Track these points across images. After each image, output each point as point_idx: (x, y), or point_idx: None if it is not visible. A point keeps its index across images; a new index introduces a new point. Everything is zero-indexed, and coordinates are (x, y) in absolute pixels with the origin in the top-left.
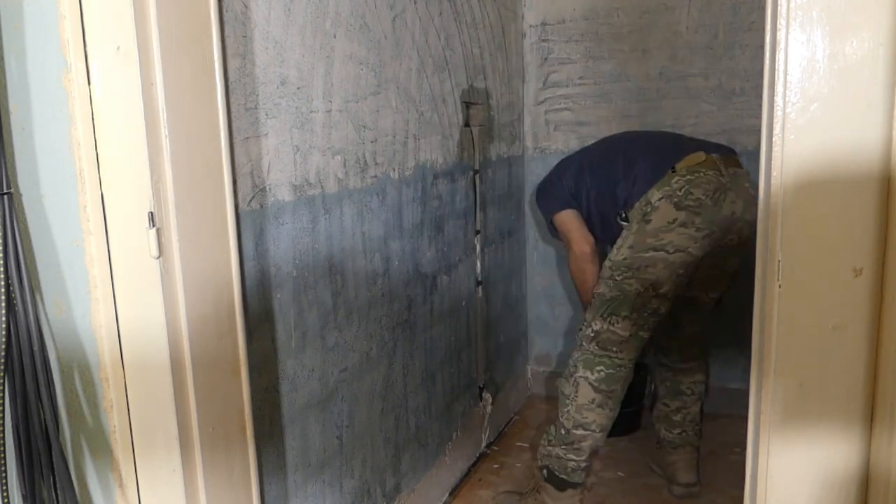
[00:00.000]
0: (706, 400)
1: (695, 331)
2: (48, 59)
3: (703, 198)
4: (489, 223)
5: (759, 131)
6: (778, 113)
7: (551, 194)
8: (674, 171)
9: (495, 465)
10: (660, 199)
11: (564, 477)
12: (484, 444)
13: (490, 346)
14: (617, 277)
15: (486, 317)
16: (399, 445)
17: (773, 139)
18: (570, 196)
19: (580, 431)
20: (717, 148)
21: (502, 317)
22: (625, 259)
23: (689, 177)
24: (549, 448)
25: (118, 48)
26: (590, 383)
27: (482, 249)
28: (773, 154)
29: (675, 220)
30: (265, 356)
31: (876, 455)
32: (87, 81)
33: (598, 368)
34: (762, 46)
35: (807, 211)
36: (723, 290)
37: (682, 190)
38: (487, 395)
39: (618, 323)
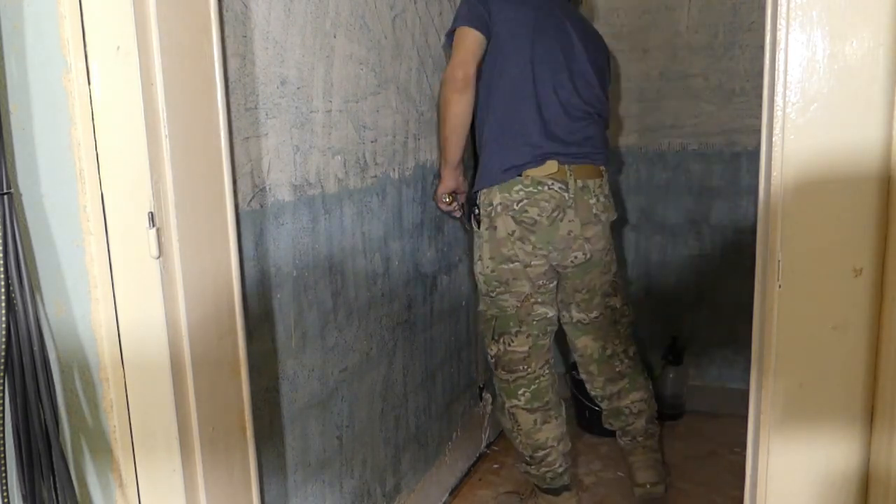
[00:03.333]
0: (661, 405)
1: (603, 348)
2: (48, 59)
3: (539, 217)
4: None
5: (759, 131)
6: (778, 113)
7: (472, 4)
8: (519, 177)
9: (495, 465)
10: (499, 205)
11: (549, 486)
12: (484, 443)
13: None
14: (492, 294)
15: None
16: (399, 445)
17: (773, 139)
18: (485, 26)
19: (541, 452)
20: (580, 145)
21: None
22: (493, 272)
23: (530, 189)
24: (523, 467)
25: (118, 48)
26: (522, 409)
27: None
28: (773, 154)
29: (513, 232)
30: (265, 356)
31: (876, 455)
32: (87, 81)
33: (520, 393)
34: (762, 46)
35: (807, 211)
36: (602, 308)
37: (519, 205)
38: (487, 395)
39: (511, 342)
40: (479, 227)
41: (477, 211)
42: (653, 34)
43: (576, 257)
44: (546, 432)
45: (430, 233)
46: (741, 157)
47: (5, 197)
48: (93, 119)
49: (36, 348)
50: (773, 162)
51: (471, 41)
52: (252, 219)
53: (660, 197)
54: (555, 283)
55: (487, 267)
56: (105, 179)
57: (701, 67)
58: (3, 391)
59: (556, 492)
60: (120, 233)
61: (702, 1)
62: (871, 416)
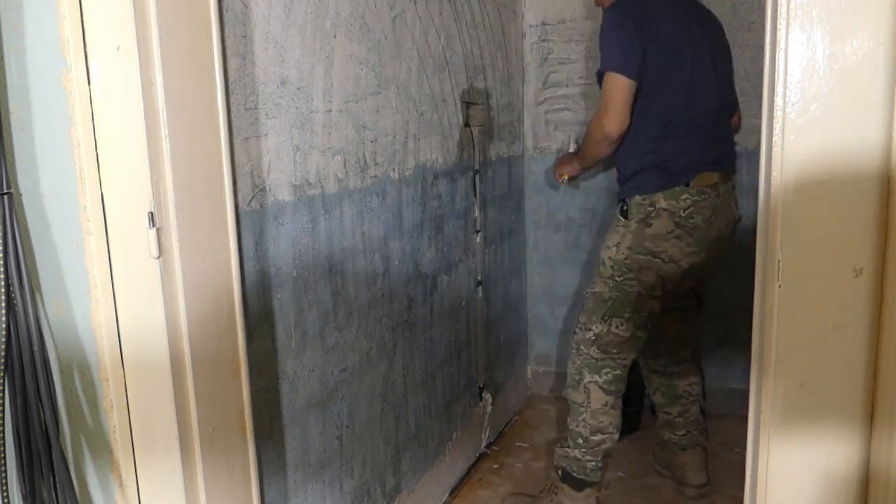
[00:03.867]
0: (706, 400)
1: (679, 331)
2: (48, 59)
3: (701, 223)
4: (489, 223)
5: (759, 131)
6: (778, 113)
7: (624, 46)
8: (686, 186)
9: (495, 465)
10: (664, 210)
11: (583, 477)
12: (484, 444)
13: (490, 346)
14: (618, 278)
15: (486, 317)
16: (399, 445)
17: (773, 139)
18: (639, 66)
19: (598, 436)
20: (727, 157)
21: (502, 317)
22: (626, 259)
23: (696, 198)
24: (567, 450)
25: (118, 48)
26: (600, 387)
27: (482, 249)
28: (773, 154)
29: (672, 231)
30: (265, 356)
31: (876, 455)
32: (87, 81)
33: (604, 371)
34: (762, 46)
35: (807, 211)
36: (695, 297)
37: (686, 212)
38: (487, 395)
39: (620, 325)
40: (625, 219)
41: (625, 207)
42: None
43: (713, 255)
44: (611, 417)
45: (430, 233)
46: (741, 157)
47: (5, 197)
48: (93, 119)
49: (36, 348)
50: (773, 162)
51: (627, 93)
52: (252, 219)
53: None
54: (677, 286)
55: (622, 254)
56: (105, 179)
57: None
58: (3, 391)
59: (581, 485)
60: (120, 233)
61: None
62: (871, 416)
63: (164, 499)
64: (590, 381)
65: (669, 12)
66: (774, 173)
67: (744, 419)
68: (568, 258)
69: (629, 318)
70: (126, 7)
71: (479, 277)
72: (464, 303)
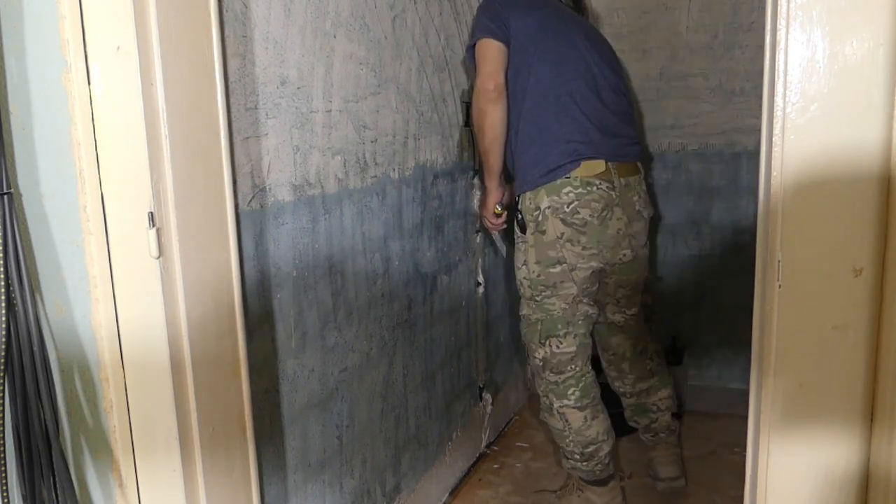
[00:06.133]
0: (681, 407)
1: (636, 346)
2: (48, 59)
3: (590, 218)
4: None
5: (759, 131)
6: (778, 113)
7: (490, 16)
8: (567, 178)
9: (495, 466)
10: (547, 209)
11: (598, 478)
12: (484, 444)
13: (490, 346)
14: (537, 298)
15: (486, 317)
16: (399, 445)
17: (773, 139)
18: (504, 34)
19: (591, 447)
20: (625, 148)
21: (502, 317)
22: (538, 276)
23: (580, 190)
24: (571, 462)
25: (118, 48)
26: (573, 408)
27: (482, 249)
28: (773, 154)
29: (562, 234)
30: (265, 356)
31: (876, 455)
32: (87, 81)
33: (570, 393)
34: (762, 46)
35: (807, 211)
36: (638, 306)
37: (570, 207)
38: (487, 395)
39: (560, 344)
40: (524, 233)
41: (520, 216)
42: (653, 34)
43: (624, 255)
44: (596, 427)
45: (430, 233)
46: (741, 157)
47: (5, 197)
48: (93, 119)
49: (36, 348)
50: (773, 162)
51: (494, 51)
52: (252, 219)
53: (660, 197)
54: (598, 284)
55: (533, 272)
56: (105, 179)
57: (701, 67)
58: (3, 391)
59: (603, 482)
60: (120, 233)
61: (702, 1)
62: (871, 416)
63: (164, 499)
64: (560, 406)
65: (538, 4)
66: (774, 173)
67: (744, 419)
68: None
69: (566, 334)
70: (126, 7)
71: (479, 277)
72: (464, 303)
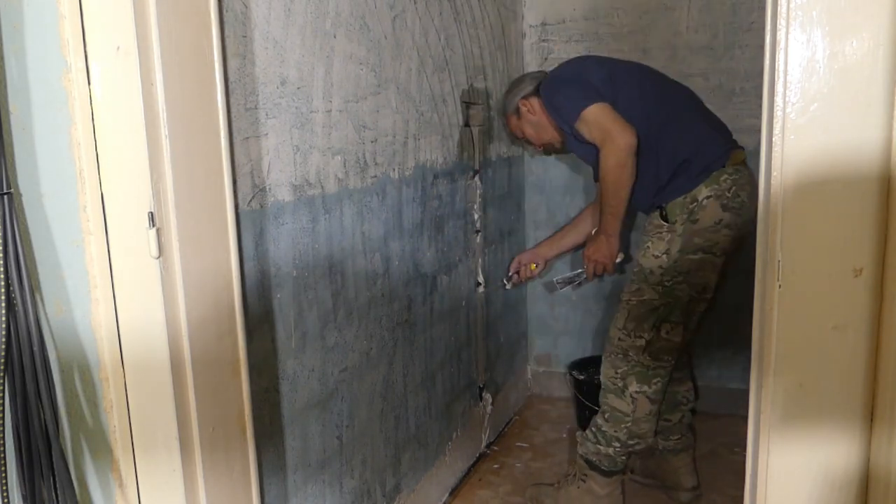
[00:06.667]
0: (697, 400)
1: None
2: (48, 59)
3: (746, 200)
4: (489, 223)
5: (759, 131)
6: (778, 113)
7: (575, 88)
8: (723, 168)
9: (495, 465)
10: (707, 198)
11: (612, 468)
12: (484, 444)
13: (490, 346)
14: (667, 283)
15: (486, 317)
16: (399, 445)
17: (773, 139)
18: (606, 93)
19: (635, 440)
20: (732, 137)
21: (502, 317)
22: (676, 263)
23: (735, 176)
24: (599, 447)
25: (118, 48)
26: (647, 397)
27: (482, 249)
28: (773, 154)
29: (720, 220)
30: (265, 356)
31: (876, 455)
32: (87, 81)
33: (654, 381)
34: (762, 46)
35: (807, 211)
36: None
37: (731, 191)
38: (487, 395)
39: (671, 331)
40: (668, 223)
41: (664, 211)
42: (653, 34)
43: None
44: (652, 423)
45: (430, 233)
46: None
47: (5, 197)
48: (93, 119)
49: (36, 348)
50: (773, 162)
51: (610, 111)
52: (252, 219)
53: None
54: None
55: (673, 259)
56: (105, 179)
57: (701, 67)
58: (3, 391)
59: (609, 473)
60: (120, 233)
61: (702, 1)
62: (871, 416)
63: (164, 499)
64: (637, 392)
65: (587, 71)
66: (774, 173)
67: (744, 419)
68: (568, 258)
69: (679, 322)
70: (126, 7)
71: (479, 277)
72: (464, 303)
